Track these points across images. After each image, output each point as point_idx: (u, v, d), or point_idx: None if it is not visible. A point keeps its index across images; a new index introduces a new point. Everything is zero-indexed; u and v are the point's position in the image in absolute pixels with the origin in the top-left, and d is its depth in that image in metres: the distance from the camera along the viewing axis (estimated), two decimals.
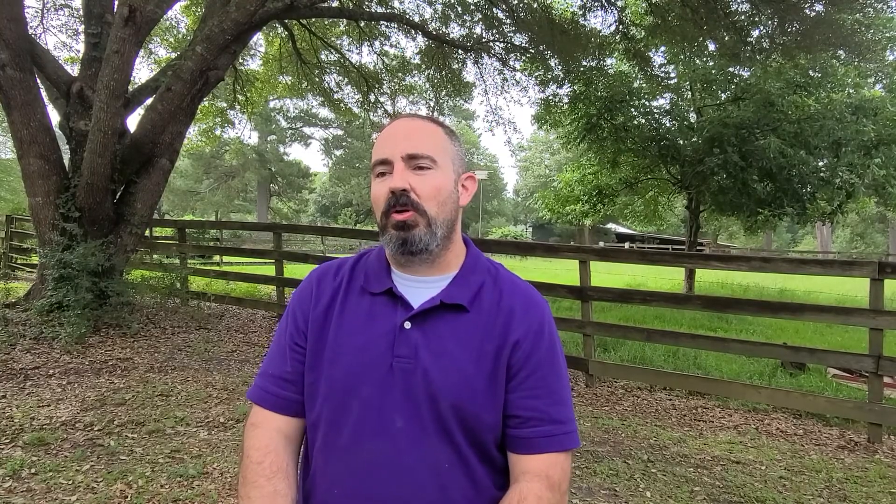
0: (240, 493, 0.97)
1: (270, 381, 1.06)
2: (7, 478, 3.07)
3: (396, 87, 13.73)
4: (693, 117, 13.01)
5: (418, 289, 1.04)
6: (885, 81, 14.00)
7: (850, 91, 12.56)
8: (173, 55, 10.27)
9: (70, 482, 3.07)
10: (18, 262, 12.60)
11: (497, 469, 1.02)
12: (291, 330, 1.08)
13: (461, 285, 1.04)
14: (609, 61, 12.57)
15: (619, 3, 10.60)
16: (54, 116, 6.77)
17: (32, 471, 3.17)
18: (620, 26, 10.66)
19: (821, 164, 11.43)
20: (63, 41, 22.67)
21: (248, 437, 1.03)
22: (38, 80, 6.52)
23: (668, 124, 12.72)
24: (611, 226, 36.92)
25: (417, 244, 0.99)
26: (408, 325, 1.01)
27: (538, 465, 0.98)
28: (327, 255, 11.11)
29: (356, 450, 0.97)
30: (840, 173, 10.80)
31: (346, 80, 13.68)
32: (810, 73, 11.30)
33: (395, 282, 1.05)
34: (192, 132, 15.40)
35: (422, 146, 1.01)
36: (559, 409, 1.02)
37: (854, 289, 9.98)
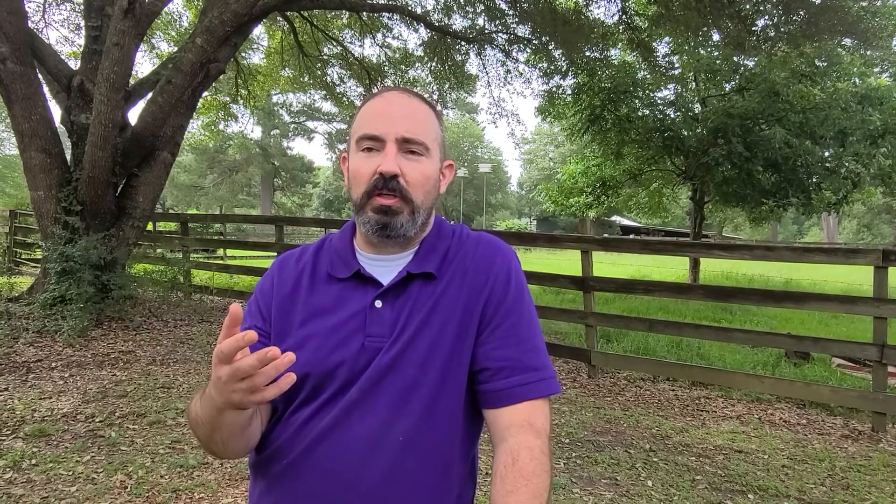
0: (193, 416, 0.91)
1: None
2: (8, 469, 3.08)
3: (399, 79, 13.68)
4: (697, 108, 12.93)
5: (387, 267, 1.02)
6: (891, 70, 13.88)
7: (856, 80, 12.47)
8: (176, 49, 10.25)
9: (70, 473, 3.07)
10: (22, 256, 12.65)
11: (461, 438, 0.98)
12: (252, 315, 1.05)
13: (427, 253, 1.03)
14: (613, 52, 12.50)
15: None
16: (56, 111, 6.78)
17: (33, 462, 3.18)
18: (624, 16, 10.59)
19: (826, 154, 11.37)
20: (65, 36, 22.71)
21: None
22: (40, 74, 6.51)
23: (672, 115, 12.65)
24: (615, 218, 36.83)
25: (398, 230, 0.97)
26: (378, 303, 0.98)
27: (519, 415, 0.94)
28: None
29: (313, 424, 0.95)
30: (846, 163, 10.74)
31: (349, 73, 13.64)
32: (816, 62, 11.20)
33: (362, 263, 1.03)
34: (195, 126, 15.43)
35: (418, 131, 0.98)
36: (532, 357, 0.98)
37: (859, 279, 9.91)
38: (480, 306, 0.99)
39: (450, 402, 0.96)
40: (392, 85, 13.38)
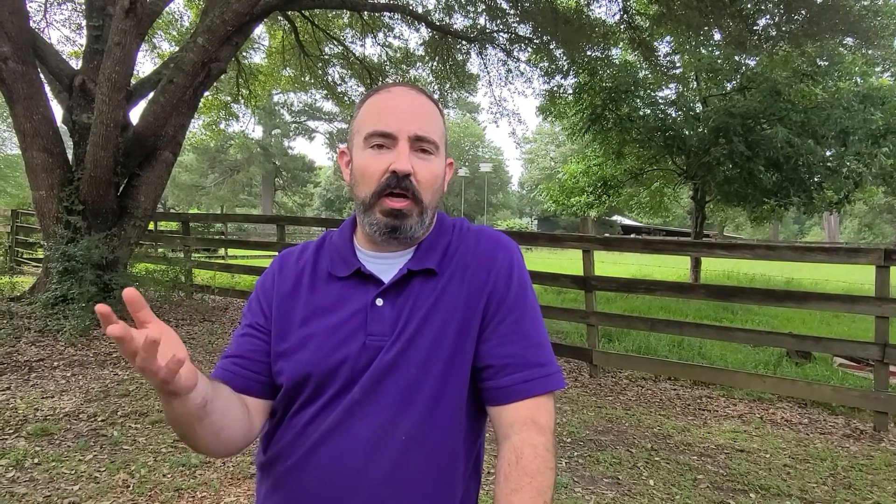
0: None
1: (229, 361, 1.02)
2: (10, 468, 3.08)
3: (400, 79, 13.68)
4: (699, 107, 12.92)
5: (388, 265, 1.01)
6: (893, 70, 13.87)
7: (858, 80, 12.47)
8: (177, 49, 10.26)
9: (73, 472, 3.08)
10: (24, 256, 12.67)
11: (464, 435, 0.98)
12: (253, 312, 1.04)
13: (428, 250, 1.01)
14: (614, 51, 12.50)
15: None
16: (57, 110, 6.78)
17: (36, 461, 3.19)
18: (625, 15, 10.59)
19: (828, 153, 11.36)
20: (67, 35, 22.71)
21: None
22: (41, 74, 6.52)
23: (673, 114, 12.65)
24: (616, 218, 36.83)
25: (407, 232, 0.96)
26: (379, 301, 0.97)
27: (523, 412, 0.94)
28: None
29: (316, 425, 0.95)
30: (847, 163, 10.74)
31: (350, 72, 13.64)
32: (817, 61, 11.20)
33: (363, 261, 1.02)
34: (197, 126, 15.43)
35: (430, 129, 0.96)
36: (536, 352, 0.97)
37: (861, 278, 9.92)
38: (483, 303, 0.98)
39: (452, 400, 0.95)
40: (394, 81, 13.31)
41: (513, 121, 14.66)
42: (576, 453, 3.68)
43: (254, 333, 1.02)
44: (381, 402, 0.93)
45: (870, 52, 11.18)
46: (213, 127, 15.97)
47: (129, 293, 0.72)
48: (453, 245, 1.03)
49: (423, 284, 0.98)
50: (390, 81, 1.06)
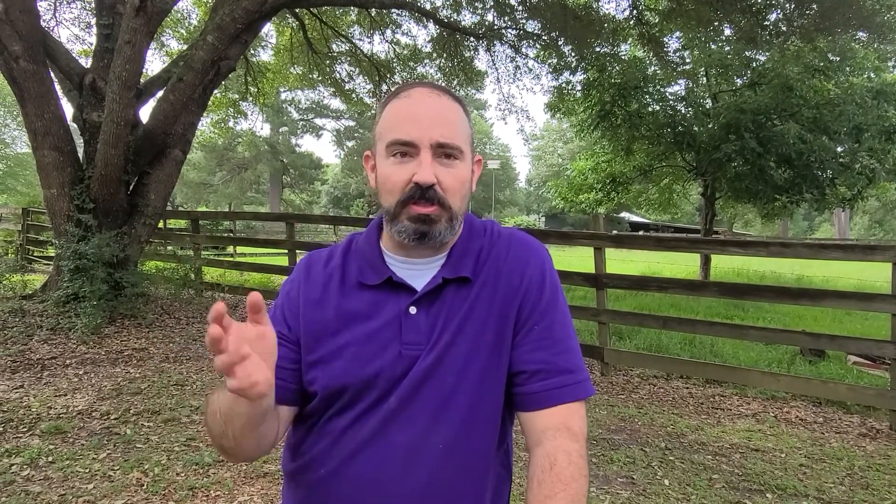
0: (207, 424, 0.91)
1: None
2: (25, 466, 3.09)
3: (408, 76, 13.65)
4: (709, 103, 12.84)
5: (419, 271, 0.99)
6: None
7: (871, 75, 12.35)
8: (185, 47, 10.27)
9: (87, 470, 3.08)
10: (35, 254, 12.74)
11: (500, 442, 0.98)
12: (276, 321, 1.01)
13: (461, 256, 0.99)
14: (623, 47, 12.42)
15: None
16: (68, 109, 6.79)
17: (50, 459, 3.19)
18: (635, 11, 10.52)
19: (840, 149, 11.27)
20: (76, 34, 22.81)
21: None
22: (52, 73, 6.53)
23: (683, 111, 12.58)
24: (624, 214, 36.67)
25: (437, 238, 0.94)
26: (413, 309, 0.95)
27: (555, 418, 0.93)
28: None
29: (351, 434, 0.93)
30: (860, 158, 10.64)
31: (358, 69, 13.63)
32: (829, 56, 11.09)
33: (393, 268, 0.99)
34: (205, 124, 15.47)
35: (452, 134, 0.94)
36: (567, 358, 0.97)
37: (873, 276, 9.82)
38: (515, 309, 0.97)
39: (488, 407, 0.95)
40: (414, 80, 13.30)
41: (521, 117, 14.63)
42: (589, 452, 3.65)
43: (279, 341, 1.00)
44: (417, 410, 0.92)
45: (883, 46, 11.05)
46: (222, 125, 16.02)
47: (255, 298, 0.74)
48: (485, 250, 1.02)
49: (456, 292, 0.97)
50: (411, 81, 1.03)
